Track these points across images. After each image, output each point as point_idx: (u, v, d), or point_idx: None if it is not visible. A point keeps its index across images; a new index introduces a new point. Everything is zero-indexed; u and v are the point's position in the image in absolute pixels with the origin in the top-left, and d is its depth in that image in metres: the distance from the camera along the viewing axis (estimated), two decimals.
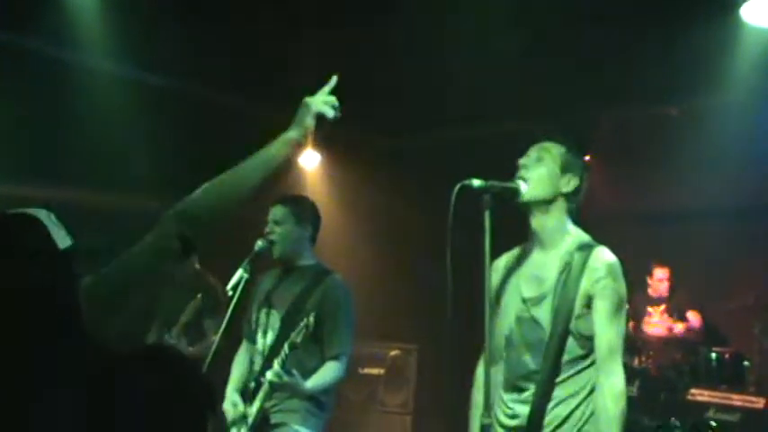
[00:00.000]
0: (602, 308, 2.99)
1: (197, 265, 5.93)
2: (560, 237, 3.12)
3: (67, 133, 6.15)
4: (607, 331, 2.98)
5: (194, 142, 6.71)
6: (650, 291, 7.48)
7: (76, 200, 5.89)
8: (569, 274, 3.03)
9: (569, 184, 3.12)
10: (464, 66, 6.26)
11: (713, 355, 6.71)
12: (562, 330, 3.00)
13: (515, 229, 3.18)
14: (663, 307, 7.44)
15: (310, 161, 8.40)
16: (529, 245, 3.21)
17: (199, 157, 6.80)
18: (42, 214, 2.14)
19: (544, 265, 3.13)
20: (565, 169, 3.12)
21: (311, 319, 3.67)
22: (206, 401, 1.93)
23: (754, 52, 5.97)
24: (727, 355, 6.69)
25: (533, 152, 3.15)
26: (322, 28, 6.04)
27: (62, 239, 2.12)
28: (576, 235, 3.14)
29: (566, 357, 3.02)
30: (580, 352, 3.02)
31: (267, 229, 3.98)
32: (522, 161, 3.13)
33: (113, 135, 6.32)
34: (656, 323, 7.40)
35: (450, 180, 2.91)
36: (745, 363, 6.64)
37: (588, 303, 3.00)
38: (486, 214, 2.89)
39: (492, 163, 3.27)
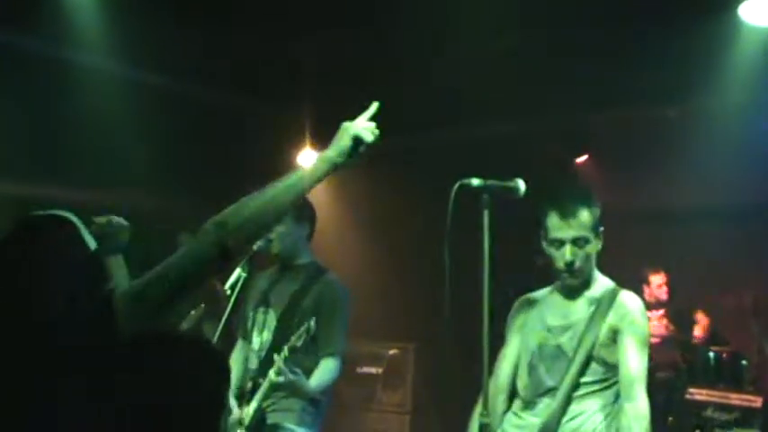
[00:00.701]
0: (628, 341, 3.09)
1: None
2: (588, 285, 3.23)
3: (66, 133, 6.15)
4: (633, 362, 3.07)
5: (194, 142, 6.72)
6: (646, 296, 7.47)
7: (76, 199, 5.89)
8: (597, 309, 3.15)
9: (599, 244, 3.22)
10: (463, 66, 6.27)
11: (711, 354, 6.73)
12: (585, 355, 3.10)
13: (515, 228, 3.19)
14: (661, 312, 7.44)
15: (308, 159, 8.41)
16: (554, 289, 3.31)
17: (199, 157, 6.83)
18: (72, 217, 2.16)
19: (571, 303, 3.24)
20: (597, 234, 3.20)
21: (312, 323, 3.68)
22: (222, 382, 1.93)
23: (752, 51, 5.97)
24: (725, 355, 6.71)
25: (568, 236, 3.13)
26: (322, 28, 6.04)
27: (90, 241, 2.15)
28: (603, 282, 3.25)
29: (585, 379, 3.11)
30: (600, 376, 3.11)
31: None
32: (567, 257, 3.13)
33: (113, 135, 6.32)
34: (654, 326, 7.40)
35: (449, 179, 2.91)
36: (744, 362, 6.65)
37: (613, 336, 3.10)
38: (485, 213, 2.90)
39: (491, 162, 3.28)
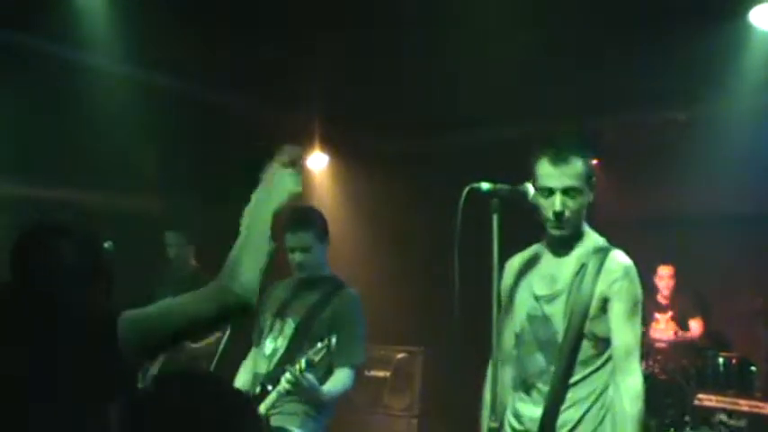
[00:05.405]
0: (618, 310, 2.99)
1: (194, 262, 5.96)
2: (577, 240, 3.13)
3: (71, 133, 6.15)
4: (624, 333, 2.98)
5: (196, 142, 6.71)
6: (659, 297, 7.49)
7: (79, 200, 5.91)
8: (585, 274, 3.03)
9: (590, 196, 3.11)
10: (470, 70, 6.26)
11: (721, 360, 6.70)
12: (576, 331, 2.99)
13: (523, 231, 3.18)
14: (669, 314, 7.45)
15: (318, 163, 8.41)
16: (544, 245, 3.21)
17: (200, 157, 6.81)
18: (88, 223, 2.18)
19: (559, 265, 3.12)
20: (589, 186, 3.09)
21: (333, 340, 3.68)
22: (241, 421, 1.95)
23: (762, 56, 5.96)
24: (734, 361, 6.68)
25: (559, 185, 3.01)
26: (326, 31, 6.03)
27: (104, 250, 2.17)
28: (593, 238, 3.15)
29: (579, 357, 3.01)
30: (593, 352, 3.02)
31: (297, 258, 4.00)
32: (557, 206, 3.01)
33: (115, 135, 6.31)
34: (663, 330, 7.42)
35: (457, 183, 2.91)
36: (753, 368, 6.63)
37: (603, 305, 3.00)
38: (495, 218, 2.89)
39: (498, 166, 3.27)
